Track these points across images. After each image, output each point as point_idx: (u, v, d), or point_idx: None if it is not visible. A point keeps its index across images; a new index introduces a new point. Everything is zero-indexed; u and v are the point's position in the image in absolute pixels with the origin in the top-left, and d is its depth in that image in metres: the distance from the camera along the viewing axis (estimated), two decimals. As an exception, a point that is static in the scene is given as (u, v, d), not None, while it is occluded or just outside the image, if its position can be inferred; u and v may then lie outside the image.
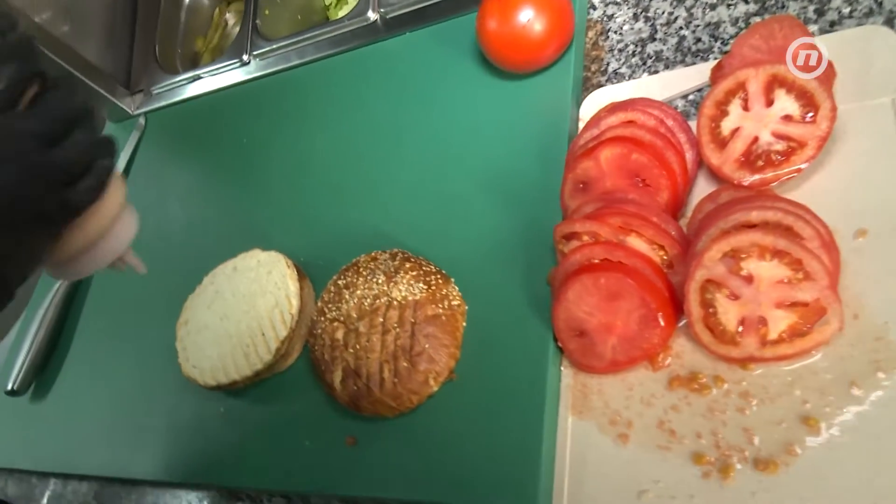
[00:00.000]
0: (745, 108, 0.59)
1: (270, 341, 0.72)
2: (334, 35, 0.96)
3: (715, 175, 0.61)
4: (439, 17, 0.88)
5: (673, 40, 0.74)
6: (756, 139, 0.58)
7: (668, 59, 0.73)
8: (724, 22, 0.72)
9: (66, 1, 1.09)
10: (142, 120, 1.13)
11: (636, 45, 0.76)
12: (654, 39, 0.75)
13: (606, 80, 0.77)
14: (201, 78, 1.09)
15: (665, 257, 0.59)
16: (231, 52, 1.06)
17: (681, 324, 0.59)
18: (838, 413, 0.51)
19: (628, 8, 0.79)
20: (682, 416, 0.56)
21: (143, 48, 1.18)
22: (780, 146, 0.57)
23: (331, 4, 1.15)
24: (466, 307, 0.68)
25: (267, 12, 1.06)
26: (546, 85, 0.75)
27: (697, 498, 0.53)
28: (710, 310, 0.54)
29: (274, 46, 1.01)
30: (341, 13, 1.12)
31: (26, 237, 0.45)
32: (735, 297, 0.53)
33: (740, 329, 0.53)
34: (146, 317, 0.92)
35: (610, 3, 0.80)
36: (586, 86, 0.77)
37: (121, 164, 1.09)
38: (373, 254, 0.73)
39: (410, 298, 0.66)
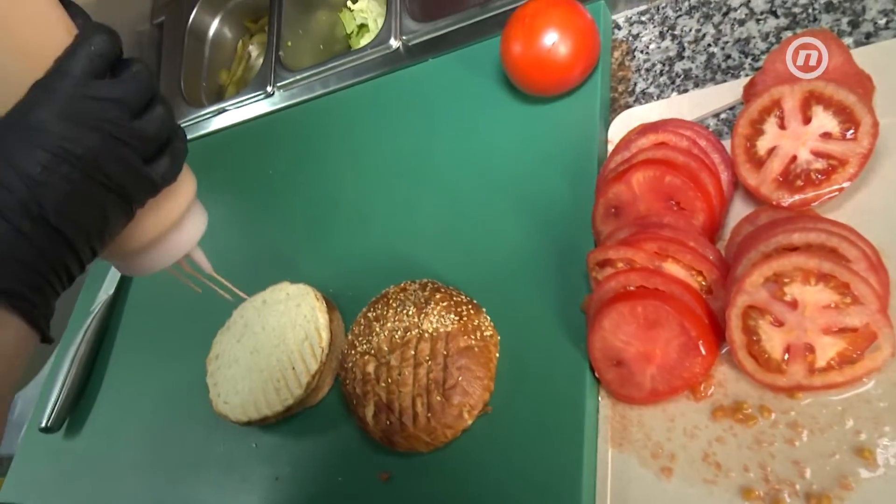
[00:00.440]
0: (782, 126, 0.57)
1: (301, 375, 0.71)
2: (357, 64, 0.97)
3: (752, 196, 0.59)
4: (462, 43, 0.87)
5: (702, 58, 0.72)
6: (794, 158, 0.56)
7: (697, 77, 0.72)
8: (755, 37, 0.70)
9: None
10: (169, 153, 1.14)
11: (664, 64, 0.75)
12: (682, 57, 0.74)
13: (634, 101, 0.75)
14: (226, 111, 1.10)
15: (704, 283, 0.57)
16: (255, 84, 1.06)
17: (723, 351, 0.56)
18: (895, 444, 0.48)
19: (654, 27, 0.77)
20: (727, 449, 0.54)
21: (169, 83, 1.20)
22: (819, 164, 0.55)
23: (352, 33, 1.15)
24: (499, 337, 0.67)
25: (289, 43, 1.07)
26: (573, 107, 0.74)
27: (748, 535, 0.50)
28: (754, 337, 0.52)
29: (297, 77, 1.01)
30: (363, 42, 1.13)
31: (103, 209, 0.44)
32: (779, 323, 0.51)
33: (786, 357, 0.51)
34: (176, 352, 0.92)
35: (635, 22, 0.79)
36: (614, 107, 0.76)
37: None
38: (402, 284, 0.72)
39: (442, 330, 0.65)
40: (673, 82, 0.73)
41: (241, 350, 0.78)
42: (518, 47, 0.71)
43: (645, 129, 0.65)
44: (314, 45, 1.12)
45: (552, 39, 0.69)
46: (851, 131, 0.54)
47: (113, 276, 1.05)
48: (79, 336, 0.99)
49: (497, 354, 0.66)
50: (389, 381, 0.65)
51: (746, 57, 0.70)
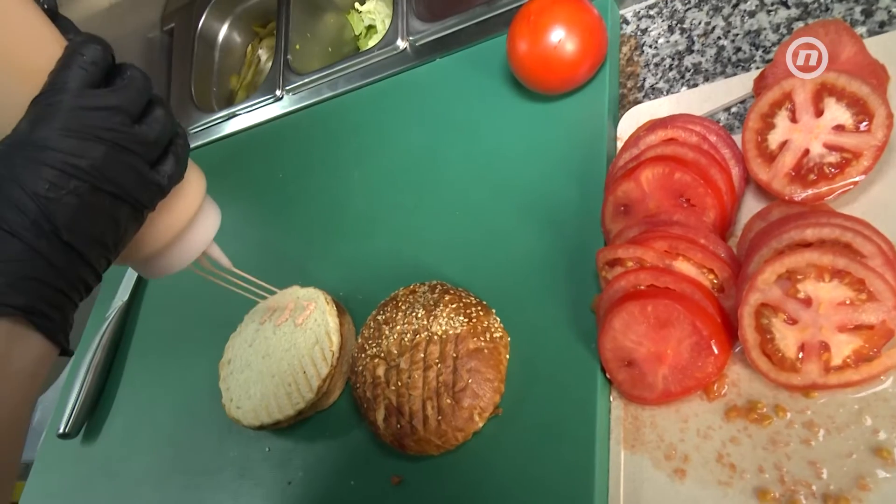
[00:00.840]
0: (793, 119, 0.56)
1: (312, 379, 0.71)
2: (365, 66, 0.96)
3: (764, 191, 0.58)
4: (468, 42, 0.87)
5: (711, 51, 0.71)
6: (807, 152, 0.55)
7: (707, 71, 0.71)
8: (765, 29, 0.69)
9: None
10: (181, 159, 1.14)
11: (673, 59, 0.74)
12: (692, 51, 0.73)
13: (643, 97, 0.74)
14: (237, 115, 1.10)
15: (715, 281, 0.56)
16: (264, 88, 1.06)
17: (736, 350, 0.55)
18: (914, 443, 0.47)
19: (662, 20, 0.76)
20: (742, 449, 0.52)
21: (180, 89, 1.20)
22: (833, 158, 0.54)
23: (361, 34, 1.15)
24: (509, 339, 0.66)
25: (298, 47, 1.07)
26: (581, 105, 0.73)
27: (764, 537, 0.49)
28: (767, 335, 0.51)
29: (305, 80, 1.01)
30: (371, 43, 1.12)
31: (114, 218, 0.45)
32: (793, 321, 0.50)
33: (800, 355, 0.50)
34: (190, 356, 0.93)
35: (643, 16, 0.78)
36: (623, 103, 0.75)
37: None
38: (412, 286, 0.72)
39: (451, 332, 0.64)
40: (682, 77, 0.72)
41: (253, 354, 0.78)
42: (524, 46, 0.70)
43: (654, 126, 0.64)
44: (323, 48, 1.12)
45: (558, 37, 0.68)
46: (865, 123, 0.53)
47: (127, 283, 1.06)
48: (95, 342, 1.00)
49: (507, 356, 0.65)
50: (399, 384, 0.64)
51: (757, 49, 0.68)
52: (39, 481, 1.00)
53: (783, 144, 0.56)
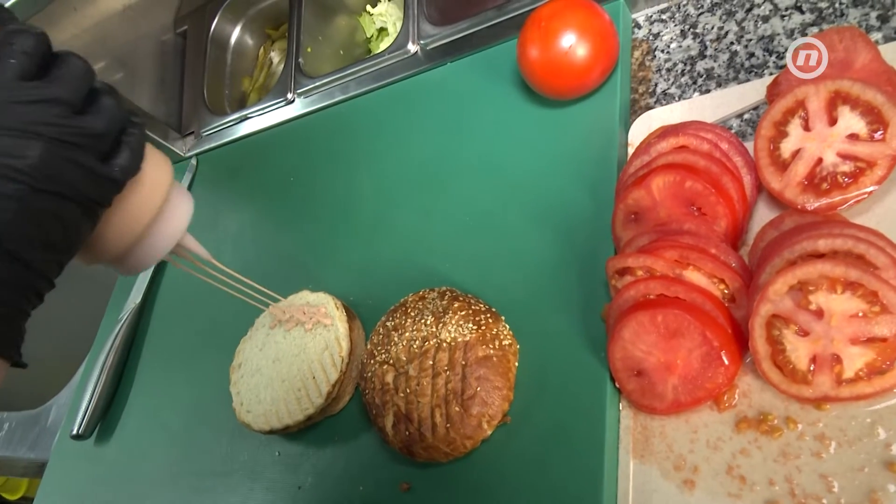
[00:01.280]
0: (806, 127, 0.55)
1: (321, 385, 0.71)
2: (376, 69, 0.96)
3: (776, 200, 0.57)
4: (480, 46, 0.86)
5: (724, 56, 0.71)
6: (820, 160, 0.54)
7: (719, 76, 0.70)
8: (779, 34, 0.68)
9: (119, 51, 1.13)
10: (193, 161, 1.15)
11: (685, 64, 0.73)
12: (704, 56, 0.72)
13: (655, 102, 0.74)
14: (249, 118, 1.10)
15: (726, 291, 0.55)
16: (276, 91, 1.07)
17: (747, 360, 0.55)
18: (928, 458, 0.46)
19: (675, 25, 0.76)
20: (752, 461, 0.52)
21: (193, 91, 1.21)
22: (846, 167, 0.53)
23: (372, 37, 1.15)
24: (518, 346, 0.66)
25: (309, 49, 1.07)
26: (592, 110, 0.72)
27: (774, 551, 0.49)
28: (778, 347, 0.51)
29: (317, 84, 1.01)
30: (383, 45, 1.12)
31: (61, 219, 0.41)
32: (804, 333, 0.50)
33: (812, 367, 0.50)
34: (202, 359, 0.93)
35: (655, 21, 0.77)
36: (634, 108, 0.75)
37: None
38: (421, 292, 0.71)
39: (460, 340, 0.64)
40: (695, 82, 0.72)
41: (264, 359, 0.78)
42: (535, 51, 0.70)
43: (665, 133, 0.63)
44: (334, 51, 1.12)
45: (569, 42, 0.68)
46: (880, 132, 0.52)
47: (140, 285, 1.06)
48: (108, 344, 1.01)
49: (516, 364, 0.65)
50: (408, 391, 0.64)
51: (770, 55, 0.68)
52: (54, 481, 1.01)
53: (796, 153, 0.56)
